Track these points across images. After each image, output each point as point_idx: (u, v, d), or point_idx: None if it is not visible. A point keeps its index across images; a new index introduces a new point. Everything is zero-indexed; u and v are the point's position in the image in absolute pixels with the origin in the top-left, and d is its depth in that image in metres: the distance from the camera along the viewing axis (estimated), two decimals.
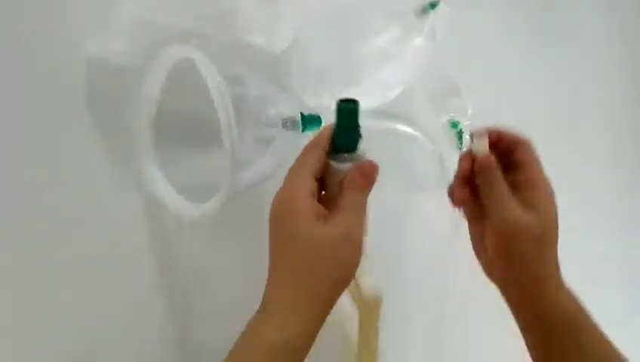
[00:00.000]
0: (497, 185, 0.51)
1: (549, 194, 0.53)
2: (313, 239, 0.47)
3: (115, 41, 0.51)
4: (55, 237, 0.54)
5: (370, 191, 0.50)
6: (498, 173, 0.52)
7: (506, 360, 0.66)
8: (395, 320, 0.78)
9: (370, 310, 0.51)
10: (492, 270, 0.54)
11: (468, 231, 0.56)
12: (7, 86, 0.49)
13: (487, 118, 0.56)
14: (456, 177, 0.55)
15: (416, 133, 0.63)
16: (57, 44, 0.51)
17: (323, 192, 0.52)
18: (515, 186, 0.52)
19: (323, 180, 0.51)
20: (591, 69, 0.99)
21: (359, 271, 0.50)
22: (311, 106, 0.55)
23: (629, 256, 1.09)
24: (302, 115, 0.51)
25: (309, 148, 0.51)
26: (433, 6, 0.60)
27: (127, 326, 0.59)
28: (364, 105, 0.49)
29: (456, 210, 0.56)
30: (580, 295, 0.52)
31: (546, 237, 0.52)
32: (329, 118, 0.51)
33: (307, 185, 0.48)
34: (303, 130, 0.52)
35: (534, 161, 0.53)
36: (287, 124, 0.52)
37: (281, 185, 0.48)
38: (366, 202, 0.50)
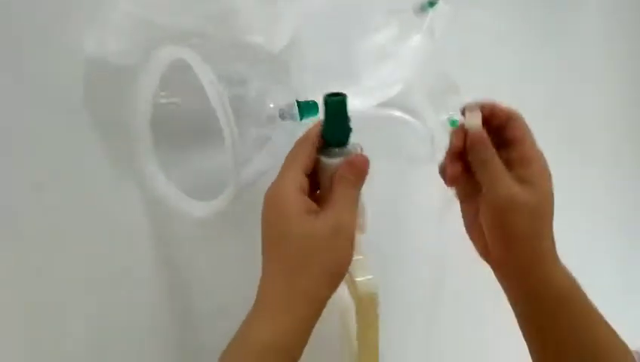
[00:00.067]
0: (491, 160, 0.51)
1: (544, 169, 0.52)
2: (303, 234, 0.47)
3: (113, 41, 0.51)
4: (55, 237, 0.54)
5: (361, 184, 0.50)
6: (491, 148, 0.51)
7: (505, 355, 0.66)
8: (391, 317, 0.78)
9: (365, 307, 0.50)
10: (486, 249, 0.54)
11: (460, 211, 0.56)
12: (5, 86, 0.49)
13: None
14: (447, 153, 0.54)
15: (410, 118, 0.62)
16: (55, 43, 0.51)
17: (319, 191, 0.52)
18: (509, 163, 0.51)
19: (315, 177, 0.51)
20: (591, 68, 0.99)
21: (354, 267, 0.50)
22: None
23: (630, 256, 1.09)
24: (298, 102, 0.51)
25: (297, 144, 0.51)
26: (432, 4, 0.60)
27: (127, 326, 0.59)
28: (363, 104, 0.49)
29: (449, 189, 0.56)
30: None
31: (542, 211, 0.51)
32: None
33: (296, 181, 0.49)
34: (300, 119, 0.52)
35: (528, 137, 0.53)
36: (284, 113, 0.52)
37: (275, 171, 0.49)
38: (358, 196, 0.50)
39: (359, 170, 0.50)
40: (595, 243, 0.98)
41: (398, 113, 0.65)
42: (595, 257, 0.94)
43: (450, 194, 0.56)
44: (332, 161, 0.50)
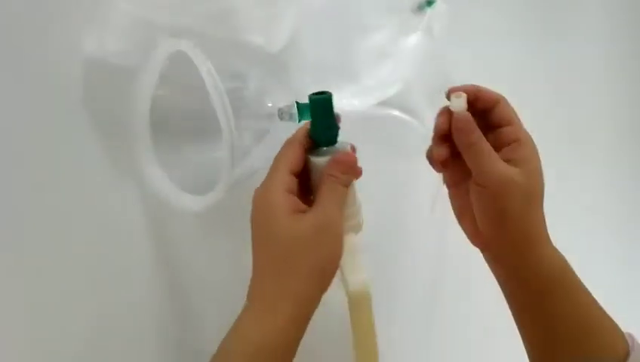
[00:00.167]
0: (478, 142, 0.50)
1: (533, 151, 0.52)
2: (288, 233, 0.47)
3: (112, 41, 0.51)
4: (54, 236, 0.54)
5: (349, 182, 0.50)
6: (478, 130, 0.50)
7: (504, 354, 0.66)
8: (391, 317, 0.78)
9: (357, 307, 0.50)
10: (476, 233, 0.54)
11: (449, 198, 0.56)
12: (4, 86, 0.49)
13: None
14: (433, 137, 0.54)
15: (409, 118, 0.62)
16: (54, 43, 0.51)
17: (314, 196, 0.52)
18: (496, 145, 0.51)
19: (307, 177, 0.51)
20: (591, 68, 1.00)
21: (347, 267, 0.50)
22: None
23: (630, 256, 1.09)
24: (297, 104, 0.51)
25: (284, 145, 0.51)
26: (430, 3, 0.61)
27: (126, 325, 0.59)
28: (363, 103, 0.49)
29: (438, 176, 0.55)
30: None
31: (533, 191, 0.51)
32: None
33: (282, 181, 0.49)
34: (299, 120, 0.52)
35: (515, 119, 0.53)
36: (283, 114, 0.52)
37: None
38: (345, 194, 0.50)
39: (346, 167, 0.50)
40: (595, 243, 0.98)
41: (397, 113, 0.65)
42: (595, 257, 0.94)
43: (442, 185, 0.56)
44: (320, 160, 0.50)
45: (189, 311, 0.63)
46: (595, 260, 0.92)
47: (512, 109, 0.53)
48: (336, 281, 0.51)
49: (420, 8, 0.61)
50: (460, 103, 0.51)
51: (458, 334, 0.86)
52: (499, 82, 0.72)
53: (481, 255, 0.56)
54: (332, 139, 0.51)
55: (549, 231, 0.53)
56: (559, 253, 0.52)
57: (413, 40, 0.61)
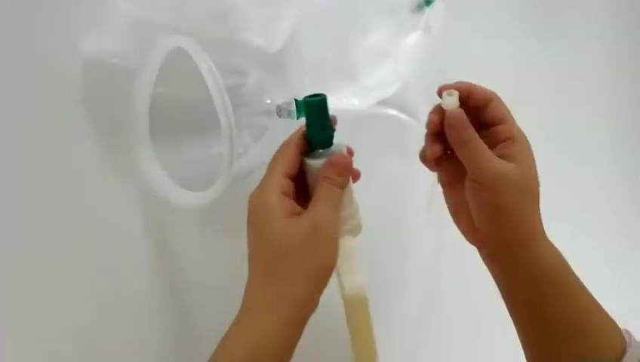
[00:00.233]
0: (472, 139, 0.50)
1: (527, 148, 0.52)
2: (283, 235, 0.47)
3: (112, 41, 0.51)
4: (53, 235, 0.54)
5: (344, 184, 0.50)
6: (471, 127, 0.50)
7: (504, 354, 0.66)
8: (391, 317, 0.78)
9: (353, 309, 0.50)
10: (472, 231, 0.54)
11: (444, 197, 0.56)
12: (3, 86, 0.49)
13: None
14: (426, 135, 0.54)
15: (408, 117, 0.62)
16: (54, 43, 0.51)
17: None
18: (490, 143, 0.51)
19: (303, 180, 0.51)
20: (591, 68, 0.99)
21: (344, 269, 0.50)
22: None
23: (629, 256, 1.09)
24: (296, 101, 0.51)
25: (280, 147, 0.51)
26: (429, 3, 0.61)
27: (126, 324, 0.59)
28: (361, 102, 0.49)
29: (433, 175, 0.55)
30: None
31: (528, 187, 0.51)
32: None
33: (278, 183, 0.49)
34: (297, 117, 0.52)
35: (507, 116, 0.52)
36: (282, 111, 0.52)
37: None
38: (340, 195, 0.50)
39: (341, 169, 0.50)
40: (594, 242, 0.98)
41: (396, 112, 0.65)
42: (594, 257, 0.94)
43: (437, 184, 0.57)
44: (315, 162, 0.50)
45: (188, 310, 0.63)
46: (593, 260, 0.92)
47: (506, 107, 0.53)
48: (335, 283, 0.51)
49: (419, 8, 0.61)
50: (452, 101, 0.51)
51: (457, 334, 0.86)
52: (498, 81, 0.72)
53: (478, 254, 0.56)
54: (328, 142, 0.51)
55: (549, 231, 0.53)
56: (556, 249, 0.52)
57: (412, 39, 0.61)
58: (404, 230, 0.78)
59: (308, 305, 0.48)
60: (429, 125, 0.53)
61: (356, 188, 0.53)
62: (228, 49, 0.52)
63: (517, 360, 0.56)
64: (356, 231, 0.53)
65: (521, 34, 0.87)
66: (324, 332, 0.54)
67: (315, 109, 0.50)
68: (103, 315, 0.57)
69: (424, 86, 0.64)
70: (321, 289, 0.48)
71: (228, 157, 0.46)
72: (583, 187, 0.99)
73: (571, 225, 0.79)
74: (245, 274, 0.49)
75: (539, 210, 0.52)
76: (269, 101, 0.52)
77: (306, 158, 0.51)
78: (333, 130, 0.51)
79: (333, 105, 0.51)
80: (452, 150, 0.52)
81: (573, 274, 0.52)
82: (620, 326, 0.53)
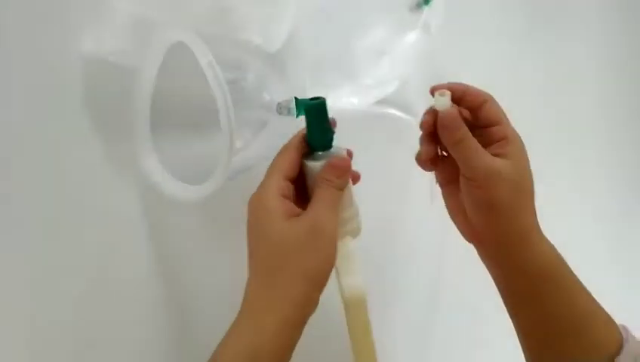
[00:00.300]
0: (465, 138, 0.50)
1: (520, 148, 0.52)
2: (282, 237, 0.47)
3: (111, 40, 0.50)
4: (52, 234, 0.54)
5: (343, 186, 0.51)
6: (464, 126, 0.50)
7: (505, 355, 0.66)
8: (392, 318, 0.78)
9: (353, 311, 0.50)
10: (470, 230, 0.54)
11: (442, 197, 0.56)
12: (1, 84, 0.49)
13: None
14: (421, 137, 0.54)
15: (407, 116, 0.63)
16: (53, 42, 0.51)
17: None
18: (484, 144, 0.51)
19: (303, 183, 0.52)
20: (591, 68, 1.00)
21: (343, 270, 0.50)
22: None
23: (628, 255, 1.09)
24: (296, 99, 0.51)
25: (280, 150, 0.51)
26: (427, 1, 0.61)
27: (124, 324, 0.59)
28: (360, 101, 0.49)
29: (431, 176, 0.56)
30: None
31: (523, 185, 0.51)
32: None
33: (277, 186, 0.49)
34: (297, 115, 0.52)
35: (502, 118, 0.53)
36: (282, 108, 0.52)
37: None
38: (339, 197, 0.50)
39: (340, 171, 0.50)
40: (592, 242, 0.98)
41: (395, 111, 0.65)
42: (593, 257, 0.95)
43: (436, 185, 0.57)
44: (315, 164, 0.51)
45: (188, 309, 0.63)
46: (592, 259, 0.93)
47: (501, 109, 0.53)
48: (334, 284, 0.51)
49: (418, 6, 0.61)
50: (444, 102, 0.51)
51: (458, 336, 0.86)
52: (497, 81, 0.72)
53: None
54: (327, 144, 0.52)
55: (547, 230, 0.53)
56: (552, 246, 0.53)
57: (411, 38, 0.62)
58: (404, 228, 0.78)
59: (307, 305, 0.48)
60: (422, 126, 0.53)
61: (355, 187, 0.53)
62: (227, 47, 0.51)
63: (517, 360, 0.56)
64: (355, 232, 0.53)
65: (521, 34, 0.87)
66: (323, 332, 0.54)
67: (314, 112, 0.50)
68: (102, 315, 0.57)
69: (423, 85, 0.64)
70: (320, 290, 0.48)
71: (226, 150, 0.46)
72: (581, 187, 0.99)
73: (570, 225, 0.79)
74: (245, 272, 0.49)
75: (534, 207, 0.52)
76: (268, 98, 0.52)
77: (305, 160, 0.51)
78: (333, 133, 0.52)
79: (333, 105, 0.52)
80: (447, 150, 0.52)
81: (570, 270, 0.52)
82: (617, 322, 0.53)
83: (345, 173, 0.51)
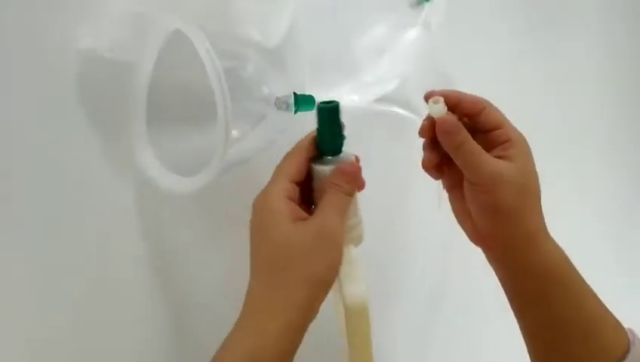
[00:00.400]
0: (465, 142, 0.50)
1: (525, 149, 0.52)
2: (289, 239, 0.47)
3: (108, 35, 0.50)
4: (51, 232, 0.53)
5: (352, 192, 0.50)
6: (463, 131, 0.50)
7: (506, 355, 0.66)
8: (393, 319, 0.78)
9: (353, 320, 0.50)
10: (476, 232, 0.54)
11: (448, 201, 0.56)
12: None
13: None
14: (423, 145, 0.54)
15: (408, 113, 0.62)
16: (49, 38, 0.51)
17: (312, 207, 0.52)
18: (487, 147, 0.51)
19: (308, 186, 0.51)
20: (591, 68, 1.00)
21: (346, 277, 0.50)
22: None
23: (630, 257, 1.09)
24: (295, 95, 0.51)
25: (288, 152, 0.51)
26: None
27: (124, 322, 0.59)
28: (361, 98, 0.49)
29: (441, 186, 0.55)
30: None
31: (528, 187, 0.51)
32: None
33: (284, 188, 0.49)
34: (295, 111, 0.52)
35: (504, 121, 0.52)
36: (280, 103, 0.52)
37: (270, 163, 0.48)
38: (348, 203, 0.50)
39: (350, 177, 0.50)
40: (592, 243, 0.98)
41: (396, 108, 0.65)
42: (593, 257, 0.94)
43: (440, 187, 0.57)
44: (324, 169, 0.50)
45: (188, 308, 0.63)
46: (594, 261, 0.92)
47: (500, 113, 0.53)
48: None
49: (418, 3, 0.61)
50: (438, 109, 0.50)
51: (459, 338, 0.86)
52: (497, 80, 0.72)
53: (484, 258, 0.56)
54: (337, 149, 0.51)
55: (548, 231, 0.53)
56: (559, 248, 0.52)
57: (412, 35, 0.61)
58: (405, 225, 0.78)
59: (311, 310, 0.48)
60: (421, 134, 0.53)
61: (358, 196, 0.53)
62: (226, 42, 0.51)
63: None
64: (358, 241, 0.53)
65: (521, 33, 0.87)
66: (320, 339, 0.53)
67: (327, 116, 0.50)
68: (102, 315, 0.57)
69: (424, 82, 0.64)
70: (324, 296, 0.48)
71: (222, 140, 0.46)
72: (581, 187, 0.99)
73: (570, 225, 0.79)
74: (244, 268, 0.49)
75: (540, 209, 0.52)
76: (267, 91, 0.52)
77: (313, 164, 0.51)
78: (344, 138, 0.51)
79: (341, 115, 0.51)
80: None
81: (577, 273, 0.52)
82: (623, 325, 0.53)
83: (355, 179, 0.50)
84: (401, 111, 0.64)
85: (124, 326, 0.58)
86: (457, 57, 0.73)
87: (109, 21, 0.50)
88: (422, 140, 0.54)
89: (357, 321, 0.51)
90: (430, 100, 0.51)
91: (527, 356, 0.55)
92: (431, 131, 0.51)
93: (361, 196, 0.53)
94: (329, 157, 0.51)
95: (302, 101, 0.53)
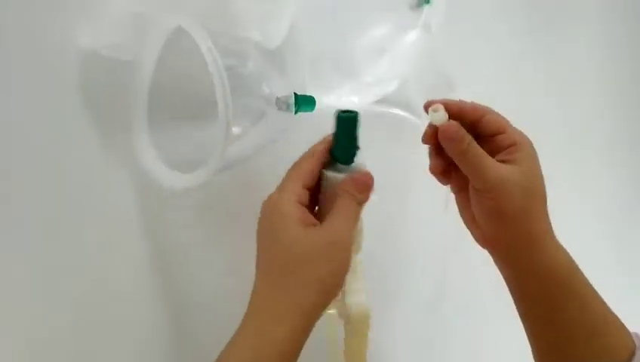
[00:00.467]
0: (469, 147, 0.50)
1: (530, 152, 0.51)
2: (300, 244, 0.47)
3: (108, 34, 0.50)
4: (51, 232, 0.53)
5: (364, 201, 0.50)
6: (467, 136, 0.50)
7: (508, 356, 0.66)
8: (395, 319, 0.78)
9: (354, 330, 0.50)
10: (483, 235, 0.54)
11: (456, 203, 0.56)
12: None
13: None
14: (429, 151, 0.54)
15: (408, 115, 0.62)
16: (49, 36, 0.51)
17: (317, 208, 0.52)
18: (492, 151, 0.51)
19: (317, 192, 0.51)
20: (591, 69, 1.00)
21: (349, 288, 0.50)
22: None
23: (630, 257, 1.09)
24: (295, 95, 0.51)
25: (302, 156, 0.51)
26: (428, 0, 0.60)
27: (124, 322, 0.59)
28: (361, 99, 0.49)
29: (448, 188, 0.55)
30: None
31: (533, 190, 0.51)
32: (322, 109, 0.51)
33: (295, 192, 0.49)
34: (296, 112, 0.52)
35: (506, 126, 0.52)
36: (281, 104, 0.52)
37: (270, 164, 0.48)
38: (359, 212, 0.50)
39: (363, 186, 0.50)
40: (593, 243, 0.98)
41: (395, 110, 0.65)
42: (593, 258, 0.94)
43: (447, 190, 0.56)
44: (336, 176, 0.50)
45: (188, 308, 0.63)
46: (594, 260, 0.92)
47: (502, 117, 0.53)
48: None
49: (418, 5, 0.61)
50: (439, 117, 0.50)
51: (460, 338, 0.86)
52: (497, 80, 0.72)
53: (485, 260, 0.56)
54: (351, 158, 0.51)
55: None
56: (565, 251, 0.52)
57: (412, 37, 0.61)
58: (405, 226, 0.77)
59: (315, 316, 0.48)
60: (425, 141, 0.53)
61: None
62: (227, 41, 0.51)
63: None
64: (358, 249, 0.53)
65: (521, 33, 0.87)
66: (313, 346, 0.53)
67: (346, 125, 0.50)
68: (102, 315, 0.57)
69: (423, 83, 0.64)
70: (329, 302, 0.48)
71: (223, 134, 0.46)
72: (581, 187, 0.99)
73: (570, 225, 0.79)
74: (244, 268, 0.49)
75: (546, 211, 0.52)
76: (267, 90, 0.52)
77: (326, 171, 0.51)
78: (358, 148, 0.52)
79: (333, 104, 0.51)
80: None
81: (582, 275, 0.52)
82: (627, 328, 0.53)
83: (368, 189, 0.51)
84: (400, 112, 0.64)
85: (124, 326, 0.58)
86: (457, 58, 0.73)
87: (109, 21, 0.50)
88: (422, 141, 0.54)
89: (357, 332, 0.52)
90: (430, 109, 0.50)
91: (527, 356, 0.56)
92: (434, 138, 0.51)
93: None
94: (341, 165, 0.51)
95: (302, 101, 0.53)
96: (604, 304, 0.52)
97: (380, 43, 0.61)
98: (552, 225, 0.53)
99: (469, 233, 0.56)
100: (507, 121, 0.52)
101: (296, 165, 0.51)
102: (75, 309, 0.55)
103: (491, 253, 0.54)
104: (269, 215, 0.49)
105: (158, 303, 0.61)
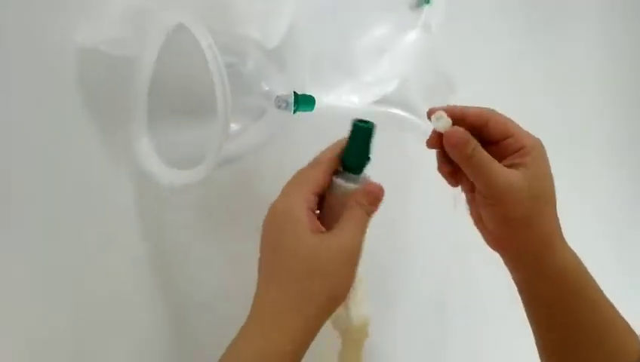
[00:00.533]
0: (474, 153, 0.49)
1: (539, 155, 0.51)
2: (308, 250, 0.46)
3: (107, 30, 0.50)
4: (52, 232, 0.53)
5: (373, 212, 0.50)
6: (472, 141, 0.49)
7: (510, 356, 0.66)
8: (396, 320, 0.78)
9: (353, 342, 0.50)
10: (493, 237, 0.53)
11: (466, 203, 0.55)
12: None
13: None
14: (436, 155, 0.53)
15: (407, 115, 0.62)
16: (48, 33, 0.51)
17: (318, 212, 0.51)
18: (500, 156, 0.50)
19: (324, 199, 0.51)
20: (591, 68, 1.00)
21: (352, 300, 0.50)
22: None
23: (630, 257, 1.09)
24: (295, 94, 0.51)
25: (312, 163, 0.50)
26: (428, 0, 0.60)
27: (124, 322, 0.59)
28: (361, 99, 0.49)
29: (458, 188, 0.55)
30: None
31: (541, 194, 0.50)
32: (321, 109, 0.51)
33: (305, 198, 0.48)
34: (295, 111, 0.52)
35: (514, 128, 0.51)
36: (280, 102, 0.52)
37: (270, 164, 0.48)
38: (368, 222, 0.50)
39: (374, 197, 0.50)
40: (596, 243, 0.98)
41: (395, 110, 0.64)
42: (594, 258, 0.94)
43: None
44: (347, 185, 0.50)
45: (188, 307, 0.63)
46: (594, 260, 0.92)
47: (509, 120, 0.52)
48: None
49: (418, 5, 0.61)
50: (443, 123, 0.50)
51: (460, 339, 0.86)
52: (497, 80, 0.72)
53: (485, 259, 0.56)
54: (360, 169, 0.51)
55: None
56: (574, 254, 0.52)
57: (412, 37, 0.61)
58: (405, 226, 0.77)
59: (318, 326, 0.47)
60: (430, 146, 0.53)
61: None
62: (226, 38, 0.51)
63: None
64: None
65: (521, 33, 0.87)
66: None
67: (361, 135, 0.50)
68: (102, 315, 0.57)
69: (423, 83, 0.64)
70: (333, 311, 0.48)
71: (222, 129, 0.46)
72: (581, 187, 0.99)
73: (570, 225, 0.79)
74: (244, 268, 0.49)
75: (555, 214, 0.51)
76: (267, 88, 0.51)
77: (336, 179, 0.51)
78: (370, 160, 0.51)
79: (333, 104, 0.51)
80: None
81: (591, 278, 0.52)
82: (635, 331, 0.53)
83: (378, 201, 0.50)
84: (400, 112, 0.64)
85: (124, 327, 0.58)
86: (457, 58, 0.73)
87: (109, 20, 0.50)
88: (427, 146, 0.53)
89: (356, 344, 0.52)
90: (432, 116, 0.50)
91: (527, 356, 0.56)
92: (439, 144, 0.51)
93: None
94: (350, 175, 0.51)
95: (302, 101, 0.53)
96: (612, 306, 0.52)
97: (380, 43, 0.61)
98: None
99: (469, 233, 0.56)
100: (514, 123, 0.52)
101: (306, 171, 0.50)
102: (75, 309, 0.55)
103: (501, 255, 0.54)
104: (278, 219, 0.48)
105: (158, 303, 0.60)
